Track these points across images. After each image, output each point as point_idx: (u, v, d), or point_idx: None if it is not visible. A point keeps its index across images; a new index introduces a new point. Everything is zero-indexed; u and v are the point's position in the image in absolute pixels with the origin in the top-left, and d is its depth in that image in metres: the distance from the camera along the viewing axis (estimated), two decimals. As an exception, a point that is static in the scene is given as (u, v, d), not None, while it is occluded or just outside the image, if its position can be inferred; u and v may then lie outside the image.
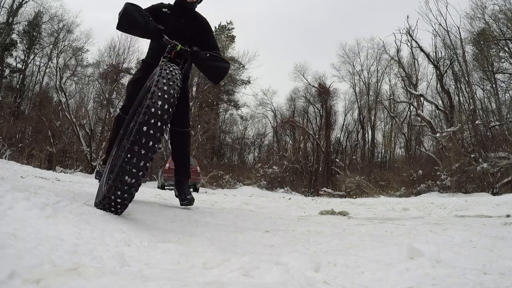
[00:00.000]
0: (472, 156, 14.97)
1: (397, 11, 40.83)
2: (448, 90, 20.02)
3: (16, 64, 22.72)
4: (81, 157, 21.46)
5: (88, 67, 23.69)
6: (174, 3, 3.01)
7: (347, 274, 1.48)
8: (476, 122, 17.22)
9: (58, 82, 20.87)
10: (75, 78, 22.86)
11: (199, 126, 21.54)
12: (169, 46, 2.40)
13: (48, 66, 22.36)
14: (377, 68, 25.84)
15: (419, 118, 21.30)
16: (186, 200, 3.29)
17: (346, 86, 43.95)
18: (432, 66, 21.05)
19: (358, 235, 2.66)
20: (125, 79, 24.74)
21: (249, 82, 26.57)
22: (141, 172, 1.77)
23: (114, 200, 1.83)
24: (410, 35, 20.74)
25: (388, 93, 25.78)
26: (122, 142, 2.10)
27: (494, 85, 18.75)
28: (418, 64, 22.94)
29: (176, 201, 3.96)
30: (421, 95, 21.18)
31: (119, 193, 1.79)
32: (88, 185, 5.64)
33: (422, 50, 21.12)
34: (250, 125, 28.31)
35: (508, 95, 18.83)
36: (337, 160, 24.97)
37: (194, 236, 2.07)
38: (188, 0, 2.93)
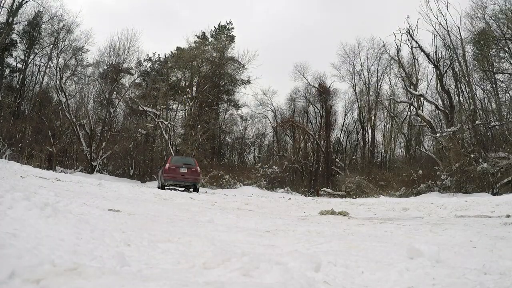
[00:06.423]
0: (472, 156, 14.94)
1: (397, 11, 40.83)
2: (448, 90, 19.96)
3: (16, 64, 22.70)
4: (81, 157, 21.44)
5: (88, 67, 23.65)
6: None
7: (347, 274, 1.48)
8: (476, 122, 17.19)
9: (58, 82, 20.83)
10: (75, 78, 22.84)
11: (199, 126, 21.51)
12: None
13: (48, 66, 22.33)
14: (377, 68, 25.80)
15: (419, 118, 21.25)
16: None
17: (346, 86, 43.90)
18: (432, 66, 20.98)
19: (358, 235, 2.65)
20: (125, 79, 24.73)
21: (249, 82, 26.53)
22: None
23: None
24: (410, 35, 20.67)
25: (388, 93, 25.75)
26: None
27: (494, 85, 18.70)
28: (418, 64, 22.88)
29: (176, 202, 3.95)
30: (421, 95, 21.13)
31: None
32: (88, 185, 5.64)
33: (422, 50, 21.05)
34: (250, 125, 28.27)
35: (508, 95, 18.79)
36: (337, 160, 24.95)
37: (194, 236, 2.07)
38: None
